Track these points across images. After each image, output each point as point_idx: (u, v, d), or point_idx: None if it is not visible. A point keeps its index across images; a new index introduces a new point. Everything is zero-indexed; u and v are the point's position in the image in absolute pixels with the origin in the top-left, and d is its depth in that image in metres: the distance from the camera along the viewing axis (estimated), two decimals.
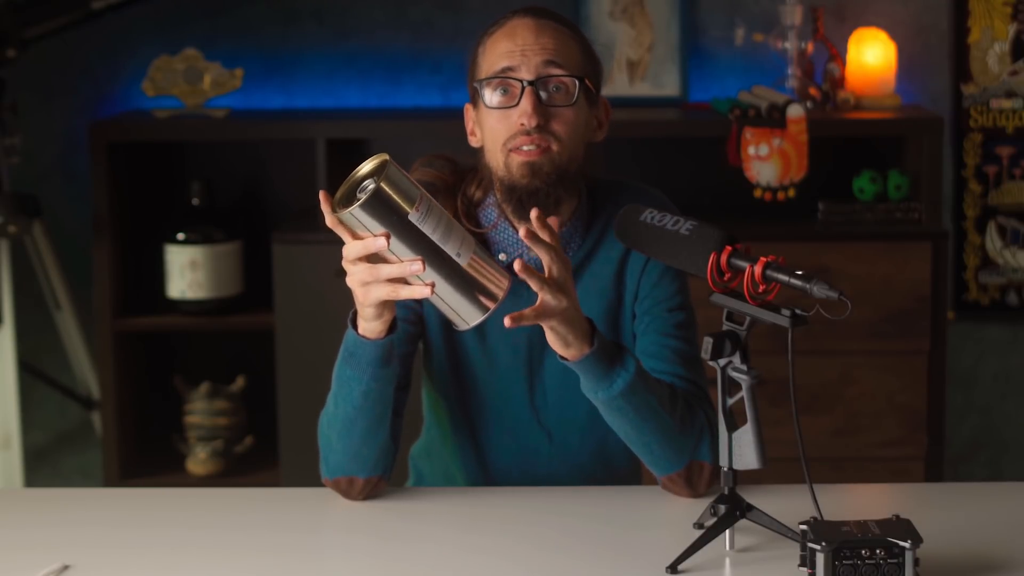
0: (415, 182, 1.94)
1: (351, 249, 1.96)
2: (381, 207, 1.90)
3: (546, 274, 2.01)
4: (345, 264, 1.99)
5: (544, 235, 2.01)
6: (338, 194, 1.95)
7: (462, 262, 1.95)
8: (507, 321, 1.98)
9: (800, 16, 3.81)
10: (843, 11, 3.93)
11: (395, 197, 1.91)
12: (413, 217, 1.91)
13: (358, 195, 1.92)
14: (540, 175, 2.19)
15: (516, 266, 1.97)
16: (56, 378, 3.96)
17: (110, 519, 2.20)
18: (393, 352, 2.12)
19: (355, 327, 2.11)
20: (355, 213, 1.91)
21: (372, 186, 1.90)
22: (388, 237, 1.91)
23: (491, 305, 1.98)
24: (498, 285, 1.98)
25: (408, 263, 1.94)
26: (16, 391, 3.80)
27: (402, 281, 1.96)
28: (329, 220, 1.95)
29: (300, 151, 3.90)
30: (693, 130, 3.79)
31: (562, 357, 2.08)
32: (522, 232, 1.99)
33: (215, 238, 3.80)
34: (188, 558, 2.05)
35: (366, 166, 1.95)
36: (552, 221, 2.02)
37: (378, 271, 1.96)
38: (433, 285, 1.95)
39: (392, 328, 2.10)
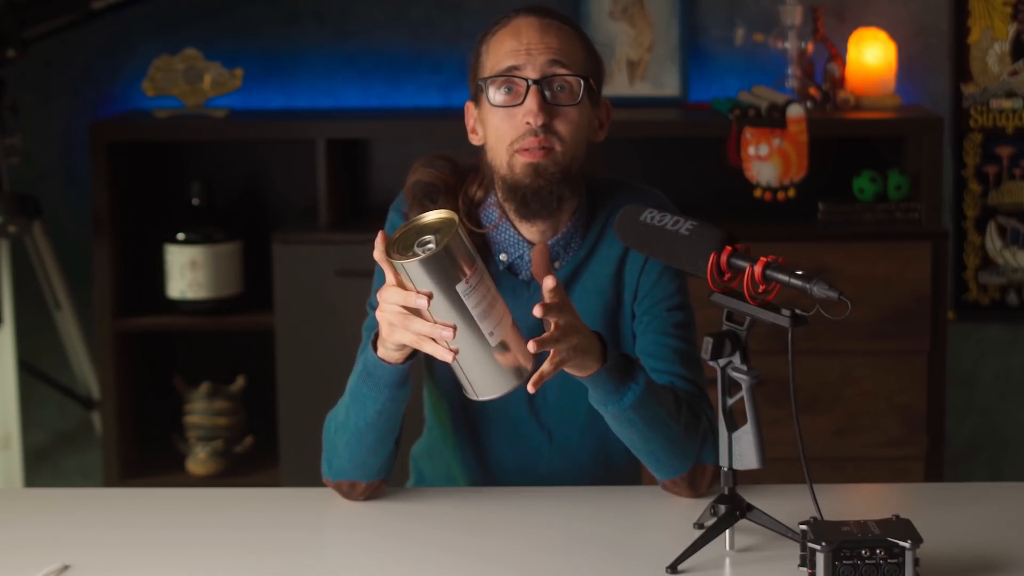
0: (475, 251, 1.94)
1: (390, 294, 1.97)
2: (434, 269, 1.91)
3: (553, 328, 2.00)
4: (380, 300, 2.00)
5: (552, 299, 2.00)
6: (396, 235, 1.96)
7: (492, 342, 1.96)
8: (530, 387, 1.98)
9: (800, 16, 3.81)
10: (843, 11, 3.93)
11: (451, 264, 1.91)
12: (460, 288, 1.92)
13: (416, 248, 1.92)
14: (544, 175, 2.20)
15: (531, 347, 1.97)
16: (56, 378, 3.96)
17: (110, 519, 2.20)
18: (411, 375, 2.13)
19: (375, 348, 2.11)
20: (407, 266, 1.92)
21: (432, 247, 1.91)
22: (430, 298, 1.92)
23: (506, 389, 2.00)
24: (520, 370, 1.99)
25: (440, 327, 1.95)
26: (16, 391, 3.80)
27: (428, 336, 1.97)
28: (378, 255, 1.95)
29: (300, 151, 3.90)
30: (693, 130, 3.79)
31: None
32: (537, 312, 1.98)
33: (215, 238, 3.80)
34: (188, 558, 2.05)
35: (433, 217, 1.95)
36: (550, 281, 2.01)
37: (409, 322, 1.97)
38: (456, 352, 1.96)
39: (412, 355, 2.10)
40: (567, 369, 2.06)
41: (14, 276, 3.79)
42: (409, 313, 1.97)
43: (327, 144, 3.70)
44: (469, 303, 1.93)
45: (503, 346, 1.97)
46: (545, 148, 2.19)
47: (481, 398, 2.02)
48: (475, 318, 1.94)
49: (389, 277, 1.97)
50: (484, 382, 2.00)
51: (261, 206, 4.03)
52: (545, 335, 1.99)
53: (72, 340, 3.84)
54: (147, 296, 3.90)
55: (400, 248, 1.94)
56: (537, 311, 1.97)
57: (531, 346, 1.96)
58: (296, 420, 3.65)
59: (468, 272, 1.92)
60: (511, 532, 2.12)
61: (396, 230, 1.97)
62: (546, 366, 2.00)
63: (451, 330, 1.94)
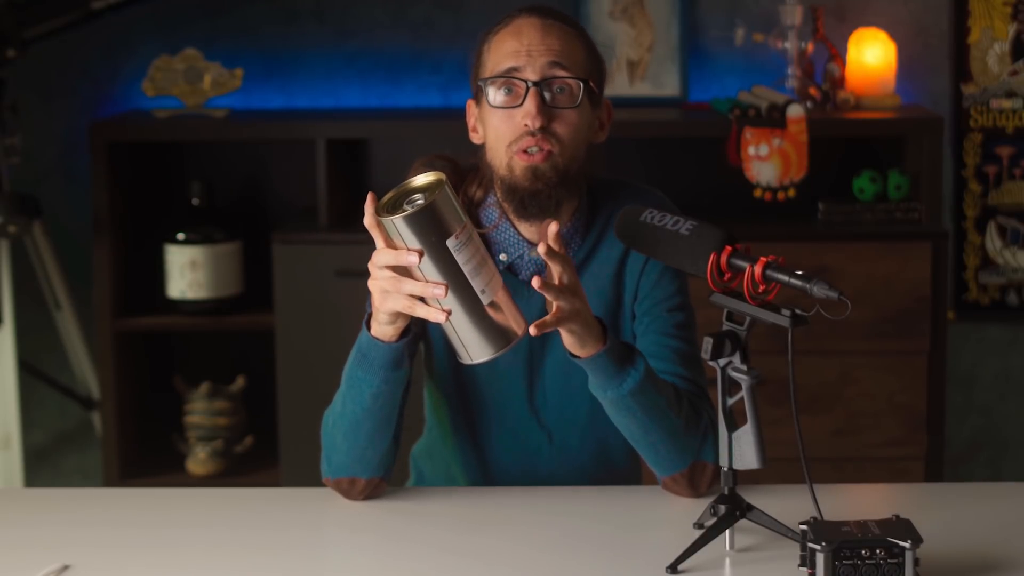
0: (463, 210, 1.95)
1: (381, 256, 1.98)
2: (423, 224, 1.92)
3: (557, 281, 2.01)
4: (371, 267, 2.00)
5: (557, 247, 2.01)
6: (385, 198, 1.97)
7: (484, 300, 1.96)
8: (533, 330, 1.99)
9: (800, 16, 3.81)
10: (843, 11, 3.93)
11: (439, 219, 1.92)
12: (450, 243, 1.92)
13: (405, 206, 1.93)
14: (542, 178, 2.20)
15: (535, 283, 1.98)
16: (56, 378, 3.97)
17: (110, 519, 2.20)
18: (405, 356, 2.13)
19: (369, 328, 2.11)
20: (396, 223, 1.92)
21: (421, 202, 1.91)
22: (420, 255, 1.93)
23: (499, 350, 1.99)
24: (511, 332, 1.99)
25: (432, 285, 1.95)
26: (16, 391, 3.81)
27: (420, 299, 1.97)
28: (368, 220, 1.96)
29: (300, 151, 3.90)
30: (693, 130, 3.79)
31: (574, 356, 2.09)
32: (541, 249, 1.99)
33: (215, 238, 3.80)
34: (188, 558, 2.05)
35: (421, 179, 1.96)
36: (554, 226, 2.02)
37: (400, 284, 1.97)
38: (449, 312, 1.96)
39: (405, 333, 2.10)
40: (568, 338, 2.06)
41: (14, 276, 3.79)
42: (401, 276, 1.97)
43: (327, 144, 3.70)
44: (460, 259, 1.93)
45: (495, 306, 1.97)
46: (543, 149, 2.19)
47: (475, 360, 2.01)
48: (466, 275, 1.94)
49: (380, 242, 1.98)
50: (477, 343, 1.99)
51: (261, 206, 4.03)
52: (549, 282, 2.00)
53: (72, 340, 3.84)
54: (147, 296, 3.90)
55: (390, 210, 1.95)
56: (541, 248, 1.98)
57: (535, 282, 1.97)
58: (296, 420, 3.65)
59: (457, 227, 1.93)
60: (511, 532, 2.12)
61: (386, 195, 1.97)
62: (549, 317, 2.01)
63: (443, 288, 1.94)
